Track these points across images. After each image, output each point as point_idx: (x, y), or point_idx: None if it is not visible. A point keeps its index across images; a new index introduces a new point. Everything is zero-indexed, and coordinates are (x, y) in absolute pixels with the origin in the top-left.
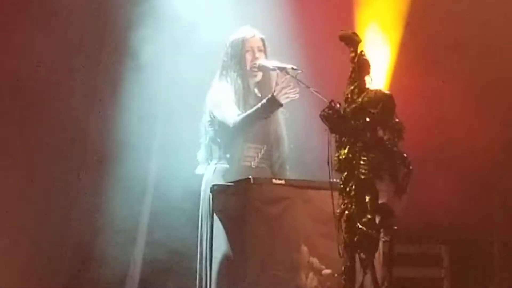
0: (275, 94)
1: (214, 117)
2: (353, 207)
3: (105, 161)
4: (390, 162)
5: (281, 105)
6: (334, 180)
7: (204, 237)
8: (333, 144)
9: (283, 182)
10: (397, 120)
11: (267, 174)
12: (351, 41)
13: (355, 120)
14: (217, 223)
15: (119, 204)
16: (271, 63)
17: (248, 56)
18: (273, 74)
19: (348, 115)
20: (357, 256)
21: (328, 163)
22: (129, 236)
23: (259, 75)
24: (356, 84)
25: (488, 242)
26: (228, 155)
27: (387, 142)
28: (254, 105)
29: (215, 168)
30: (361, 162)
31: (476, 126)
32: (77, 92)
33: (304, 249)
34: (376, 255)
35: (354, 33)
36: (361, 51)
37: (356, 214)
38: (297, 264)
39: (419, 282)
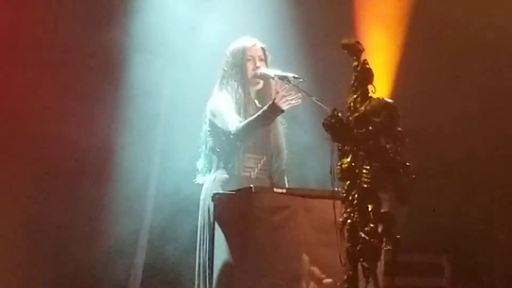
0: (276, 100)
1: (214, 126)
2: (356, 216)
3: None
4: (393, 171)
5: (282, 111)
6: (337, 189)
7: (203, 246)
8: (336, 153)
9: (284, 191)
10: (399, 129)
11: (267, 184)
12: (354, 49)
13: (358, 129)
14: (218, 232)
15: (119, 215)
16: (272, 71)
17: (249, 65)
18: (273, 83)
19: (351, 124)
20: (359, 265)
21: (330, 172)
22: (130, 248)
23: (260, 84)
24: (359, 92)
25: (489, 252)
26: (228, 165)
27: (389, 151)
28: (254, 114)
29: (215, 178)
30: (364, 171)
31: (478, 134)
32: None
33: (305, 258)
34: (378, 263)
35: (357, 42)
36: (364, 60)
37: (359, 223)
38: (298, 273)
39: None
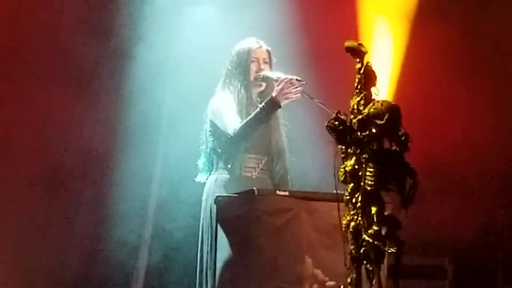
0: (274, 95)
1: (215, 127)
2: (359, 218)
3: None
4: (397, 174)
5: (280, 106)
6: (340, 191)
7: (205, 248)
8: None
9: (287, 193)
10: (403, 131)
11: (268, 184)
12: (357, 52)
13: (361, 131)
14: (221, 234)
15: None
16: (275, 74)
17: (253, 67)
18: (276, 85)
19: (354, 126)
20: (363, 267)
21: (334, 174)
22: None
23: (263, 86)
24: (362, 95)
25: (491, 254)
26: (228, 166)
27: (393, 154)
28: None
29: (216, 178)
30: (367, 174)
31: (482, 137)
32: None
33: (308, 260)
34: (382, 266)
35: (360, 44)
36: (367, 62)
37: (363, 226)
38: (301, 275)
39: None
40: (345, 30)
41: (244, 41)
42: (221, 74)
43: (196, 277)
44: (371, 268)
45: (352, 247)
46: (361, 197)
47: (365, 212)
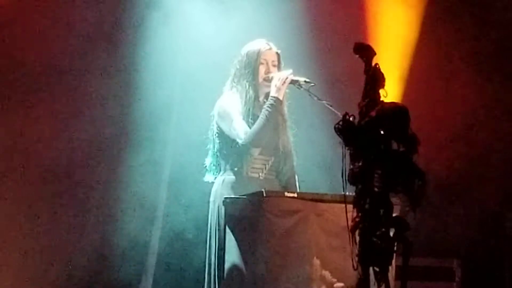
0: (271, 94)
1: (221, 130)
2: (367, 220)
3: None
4: (405, 175)
5: (279, 99)
6: (348, 193)
7: (213, 249)
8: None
9: (295, 195)
10: (411, 132)
11: (275, 185)
12: (366, 53)
13: (370, 133)
14: (229, 236)
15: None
16: (283, 74)
17: (262, 68)
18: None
19: (363, 128)
20: (371, 269)
21: (342, 176)
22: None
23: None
24: (370, 96)
25: (499, 256)
26: (236, 167)
27: (401, 155)
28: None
29: (224, 180)
30: (375, 175)
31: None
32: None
33: (317, 262)
34: (390, 268)
35: (369, 46)
36: (376, 64)
37: (370, 227)
38: (309, 277)
39: None
40: (352, 29)
41: (254, 42)
42: (230, 73)
43: (204, 278)
44: (378, 270)
45: (359, 248)
46: (369, 199)
47: (373, 213)
